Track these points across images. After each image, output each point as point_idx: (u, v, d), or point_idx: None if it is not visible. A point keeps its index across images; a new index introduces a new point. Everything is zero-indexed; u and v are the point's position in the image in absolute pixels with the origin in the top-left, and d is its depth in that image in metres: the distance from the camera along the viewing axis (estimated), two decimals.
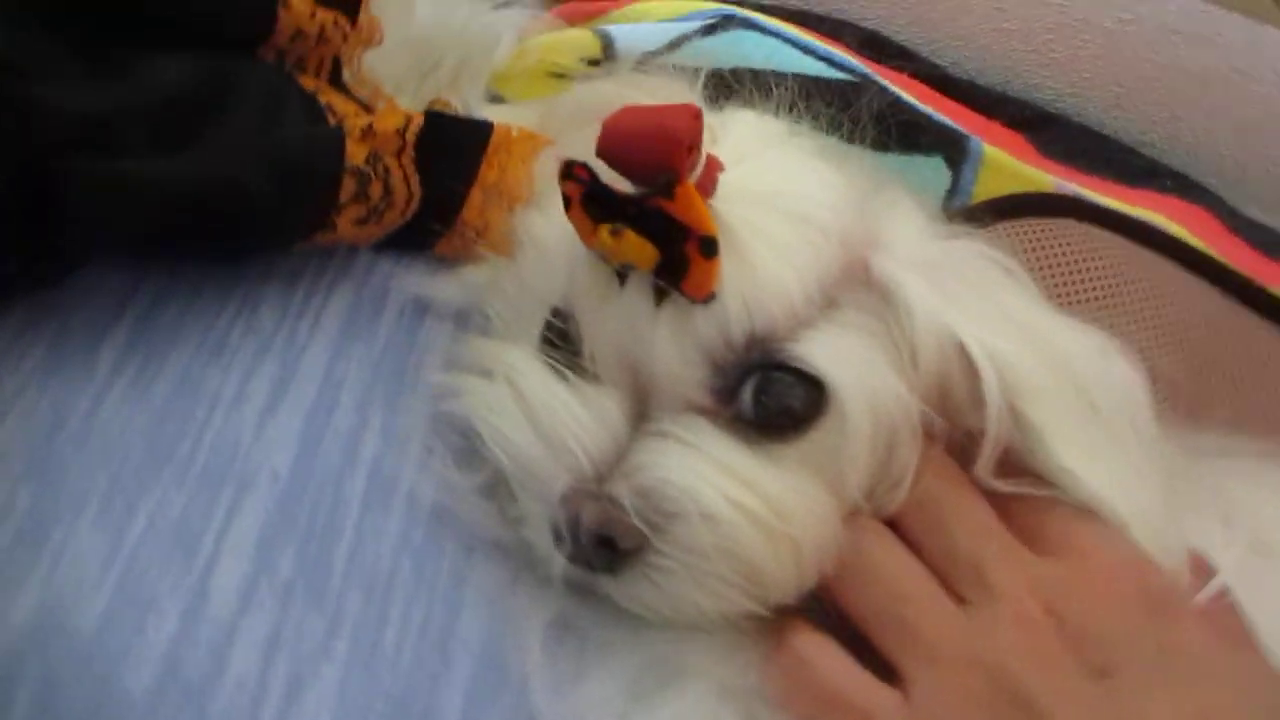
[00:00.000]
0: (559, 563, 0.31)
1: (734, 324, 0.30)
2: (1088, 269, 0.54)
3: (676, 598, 0.31)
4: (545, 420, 0.32)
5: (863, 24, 0.71)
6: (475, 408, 0.34)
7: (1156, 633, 0.30)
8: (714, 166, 0.31)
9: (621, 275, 0.31)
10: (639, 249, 0.29)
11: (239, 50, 0.35)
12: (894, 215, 0.36)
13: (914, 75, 0.67)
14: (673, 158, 0.28)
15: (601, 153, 0.29)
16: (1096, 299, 0.53)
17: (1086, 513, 0.33)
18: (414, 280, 0.39)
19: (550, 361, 0.33)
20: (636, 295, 0.31)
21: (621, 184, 0.30)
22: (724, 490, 0.30)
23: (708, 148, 0.31)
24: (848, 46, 0.66)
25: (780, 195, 0.32)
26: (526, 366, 0.33)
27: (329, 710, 0.30)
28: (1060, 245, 0.53)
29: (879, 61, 0.68)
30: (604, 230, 0.30)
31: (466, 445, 0.35)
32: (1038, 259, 0.53)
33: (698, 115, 0.29)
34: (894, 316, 0.33)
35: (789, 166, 0.34)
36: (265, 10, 0.33)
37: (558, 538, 0.31)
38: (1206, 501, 0.40)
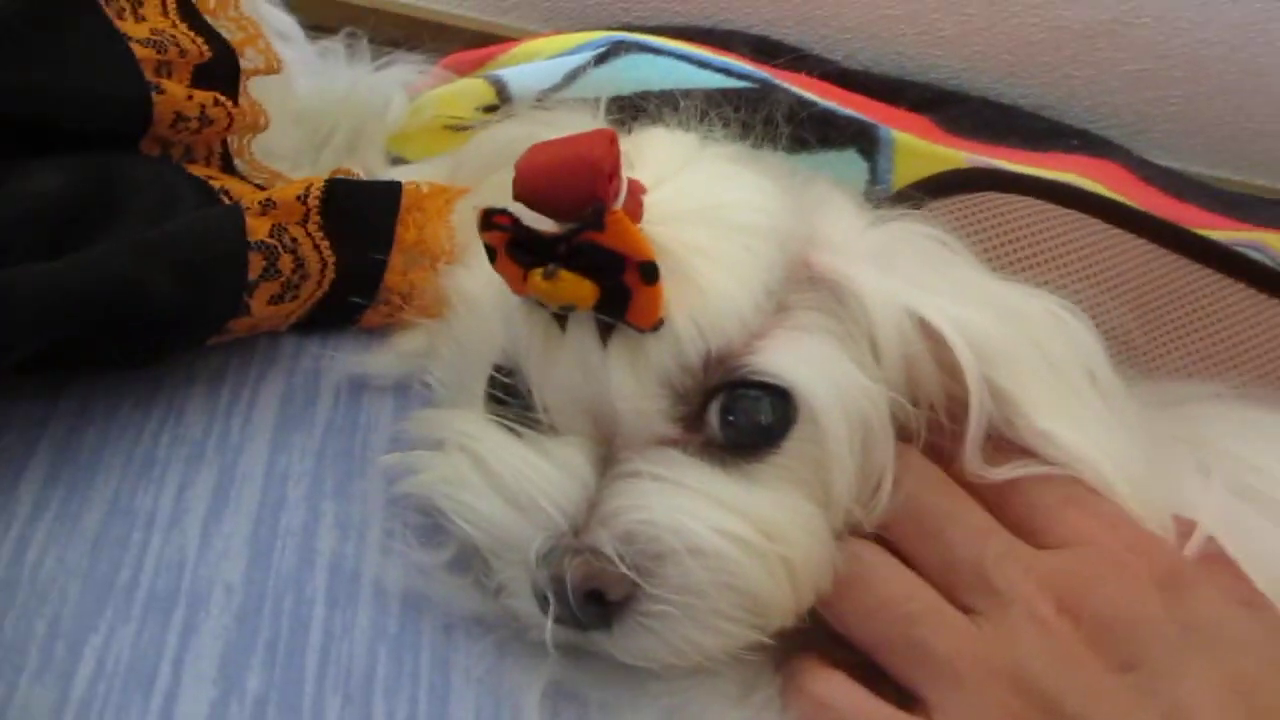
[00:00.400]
0: (548, 628, 0.29)
1: (688, 347, 0.29)
2: (1019, 236, 0.54)
3: (677, 642, 0.29)
4: (510, 482, 0.30)
5: (750, 30, 0.71)
6: (433, 483, 0.32)
7: (1174, 613, 0.29)
8: (637, 190, 0.30)
9: (561, 318, 0.30)
10: (576, 288, 0.28)
11: (121, 148, 0.33)
12: (827, 210, 0.35)
13: (810, 73, 0.68)
14: (596, 187, 0.27)
15: (520, 195, 0.28)
16: (1034, 264, 0.54)
17: (1077, 497, 0.32)
18: (345, 359, 0.37)
19: (502, 421, 0.32)
20: (581, 336, 0.29)
21: (546, 224, 0.28)
22: (709, 521, 0.29)
23: (625, 172, 0.29)
24: (740, 55, 0.66)
25: (711, 208, 0.31)
26: (479, 430, 0.32)
27: None
28: (988, 217, 0.53)
29: (773, 65, 0.68)
30: (535, 275, 0.28)
31: (429, 522, 0.33)
32: (969, 233, 0.53)
33: (613, 139, 0.28)
34: (846, 310, 0.32)
35: (713, 178, 0.33)
36: (138, 100, 0.31)
37: (543, 601, 0.29)
38: (1181, 452, 0.40)
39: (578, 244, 0.27)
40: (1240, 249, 0.62)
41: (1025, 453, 0.32)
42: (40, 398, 0.35)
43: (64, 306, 0.28)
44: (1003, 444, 0.33)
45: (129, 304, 0.29)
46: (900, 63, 0.71)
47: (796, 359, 0.30)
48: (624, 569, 0.28)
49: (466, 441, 0.31)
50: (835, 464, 0.31)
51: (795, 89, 0.64)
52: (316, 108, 0.55)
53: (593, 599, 0.29)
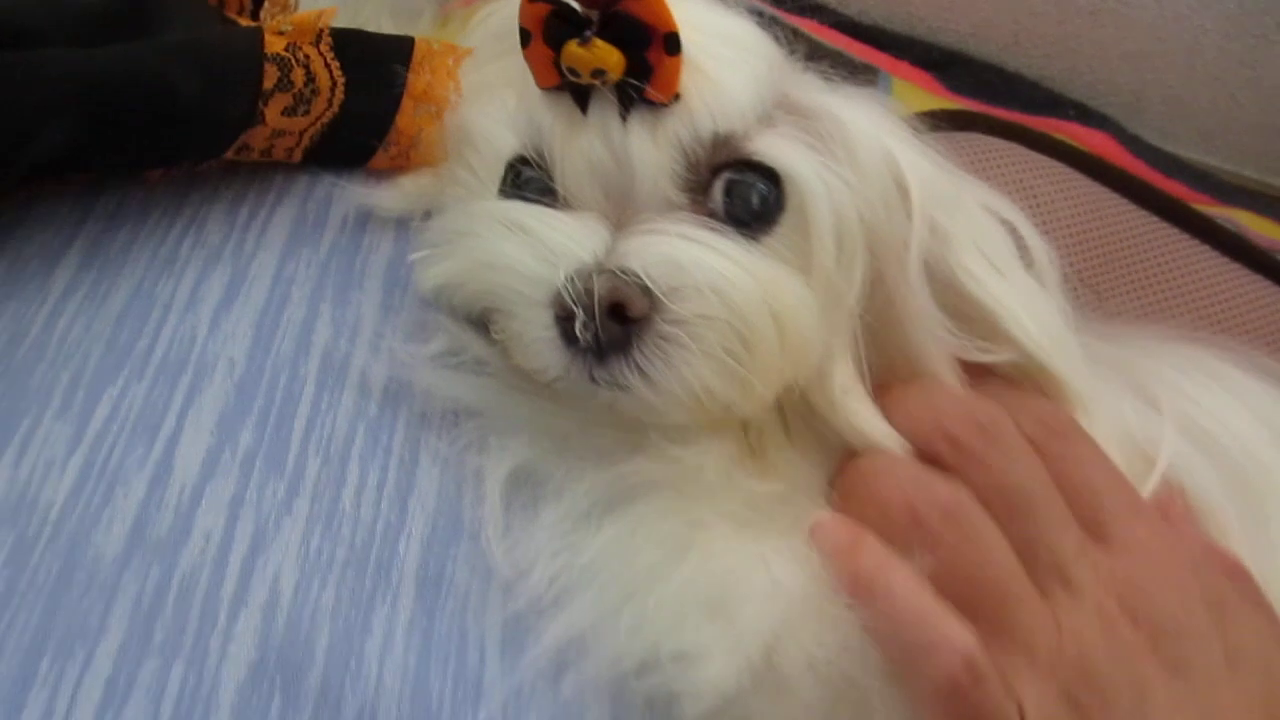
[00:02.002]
0: (561, 361, 0.33)
1: (700, 122, 0.33)
2: (996, 176, 0.57)
3: (684, 371, 0.32)
4: (539, 232, 0.33)
5: None
6: (465, 253, 0.35)
7: (1222, 633, 0.31)
8: None
9: (583, 102, 0.33)
10: (608, 54, 0.31)
11: None
12: (804, 73, 0.39)
13: (823, 22, 0.71)
14: None
15: None
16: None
17: (1144, 511, 0.34)
18: (355, 191, 0.41)
19: (521, 198, 0.35)
20: (603, 112, 0.33)
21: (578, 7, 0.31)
22: (722, 265, 0.32)
23: None
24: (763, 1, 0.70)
25: (719, 26, 0.35)
26: (502, 205, 0.35)
27: (292, 559, 0.31)
28: (969, 154, 0.56)
29: (792, 13, 0.72)
30: (571, 45, 0.31)
31: (418, 320, 0.37)
32: None
33: None
34: (830, 136, 0.35)
35: (716, 11, 0.37)
36: None
37: (565, 322, 0.32)
38: (1122, 377, 0.42)
39: (612, 13, 0.31)
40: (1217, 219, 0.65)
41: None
42: (78, 205, 0.40)
43: (91, 90, 0.32)
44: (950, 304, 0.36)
45: (152, 96, 0.33)
46: (911, 22, 0.74)
47: (788, 151, 0.34)
48: (649, 283, 0.31)
49: (494, 212, 0.34)
50: (819, 249, 0.34)
51: (806, 31, 0.68)
52: (352, 4, 0.59)
53: (615, 315, 0.31)
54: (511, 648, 0.32)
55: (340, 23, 0.57)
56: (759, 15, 0.70)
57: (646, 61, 0.32)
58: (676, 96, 0.32)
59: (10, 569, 0.29)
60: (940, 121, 0.59)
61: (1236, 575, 0.34)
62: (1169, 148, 0.76)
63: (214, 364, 0.35)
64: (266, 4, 0.44)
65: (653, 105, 0.33)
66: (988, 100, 0.73)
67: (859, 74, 0.65)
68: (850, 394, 0.36)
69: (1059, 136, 0.65)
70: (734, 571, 0.32)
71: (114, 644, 0.28)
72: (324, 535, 0.32)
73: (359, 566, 0.32)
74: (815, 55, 0.66)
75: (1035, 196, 0.58)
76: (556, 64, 0.33)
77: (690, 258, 0.32)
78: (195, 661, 0.29)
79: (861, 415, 0.36)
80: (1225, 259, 0.61)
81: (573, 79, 0.33)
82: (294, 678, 0.29)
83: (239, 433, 0.34)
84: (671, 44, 0.32)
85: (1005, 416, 0.35)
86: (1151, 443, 0.39)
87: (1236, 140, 0.76)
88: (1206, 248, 0.61)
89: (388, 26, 0.61)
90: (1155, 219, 0.61)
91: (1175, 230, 0.62)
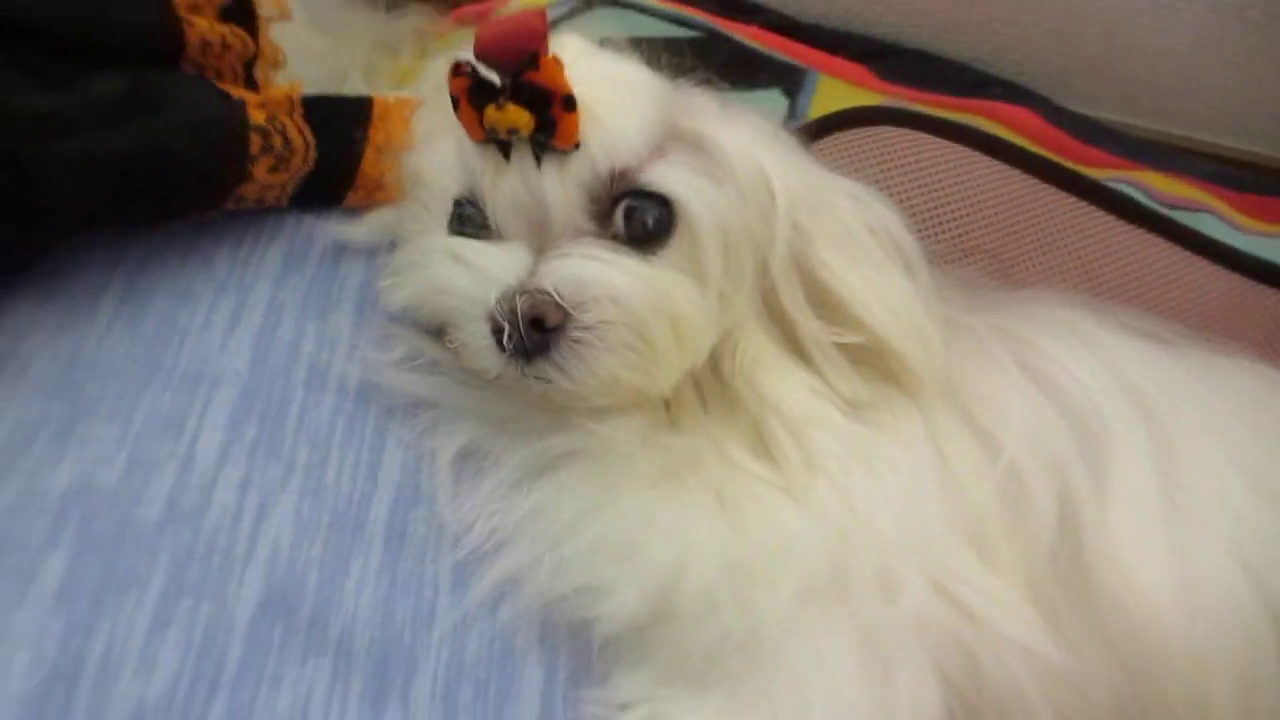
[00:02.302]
0: (498, 363, 0.41)
1: (598, 162, 0.41)
2: (898, 163, 0.64)
3: (595, 365, 0.40)
4: (474, 261, 0.41)
5: None
6: (419, 281, 0.43)
7: None
8: (557, 61, 0.41)
9: (505, 152, 0.41)
10: (519, 116, 0.39)
11: (166, 67, 0.47)
12: (697, 96, 0.47)
13: (764, 25, 0.78)
14: (533, 41, 0.38)
15: (478, 51, 0.39)
16: (909, 186, 0.64)
17: None
18: (332, 228, 0.51)
19: (463, 234, 0.44)
20: (521, 159, 0.41)
21: (494, 79, 0.39)
22: (620, 279, 0.40)
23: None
24: (702, 9, 0.77)
25: (609, 75, 0.42)
26: (449, 240, 0.44)
27: (288, 523, 0.41)
28: (873, 147, 0.64)
29: (732, 18, 0.79)
30: (490, 109, 0.39)
31: (383, 333, 0.46)
32: (856, 161, 0.64)
33: (543, 13, 0.39)
34: (711, 158, 0.43)
35: (610, 60, 0.44)
36: (173, 30, 0.45)
37: (498, 334, 0.40)
38: (992, 343, 0.49)
39: (520, 82, 0.39)
40: (1118, 185, 0.72)
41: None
42: (112, 251, 0.49)
43: (119, 164, 0.42)
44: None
45: (164, 165, 0.43)
46: (846, 18, 0.81)
47: (675, 179, 0.41)
48: (559, 300, 0.39)
49: (442, 247, 0.43)
50: (707, 257, 0.42)
51: (740, 37, 0.76)
52: (335, 48, 0.68)
53: (535, 326, 0.39)
54: (459, 586, 0.42)
55: (326, 60, 0.67)
56: (682, 24, 0.77)
57: (551, 118, 0.40)
58: (577, 144, 0.41)
59: (79, 536, 0.39)
60: (849, 121, 0.67)
61: None
62: (1099, 114, 0.83)
63: (223, 375, 0.45)
64: (259, 64, 0.53)
65: (560, 151, 0.41)
66: (920, 85, 0.79)
67: (784, 77, 0.73)
68: (758, 363, 0.45)
69: (964, 120, 0.72)
70: (638, 523, 0.41)
71: (157, 588, 0.39)
72: (313, 504, 0.42)
73: (340, 527, 0.42)
74: (739, 59, 0.73)
75: (940, 179, 0.65)
76: (481, 123, 0.41)
77: (592, 275, 0.40)
78: (217, 600, 0.39)
79: (767, 382, 0.45)
80: (1118, 220, 0.68)
81: (494, 136, 0.41)
82: (291, 610, 0.39)
83: (245, 428, 0.44)
84: (569, 103, 0.40)
85: None
86: (1012, 406, 0.46)
87: (1159, 103, 0.82)
88: (1100, 211, 0.68)
89: (374, 61, 0.70)
90: (1054, 189, 0.68)
91: (1073, 199, 0.69)
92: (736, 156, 0.44)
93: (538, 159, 0.41)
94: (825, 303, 0.46)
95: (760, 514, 0.41)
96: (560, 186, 0.41)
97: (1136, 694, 0.41)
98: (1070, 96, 0.81)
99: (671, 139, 0.44)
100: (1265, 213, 0.72)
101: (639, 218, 0.42)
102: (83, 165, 0.43)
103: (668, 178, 0.42)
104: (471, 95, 0.41)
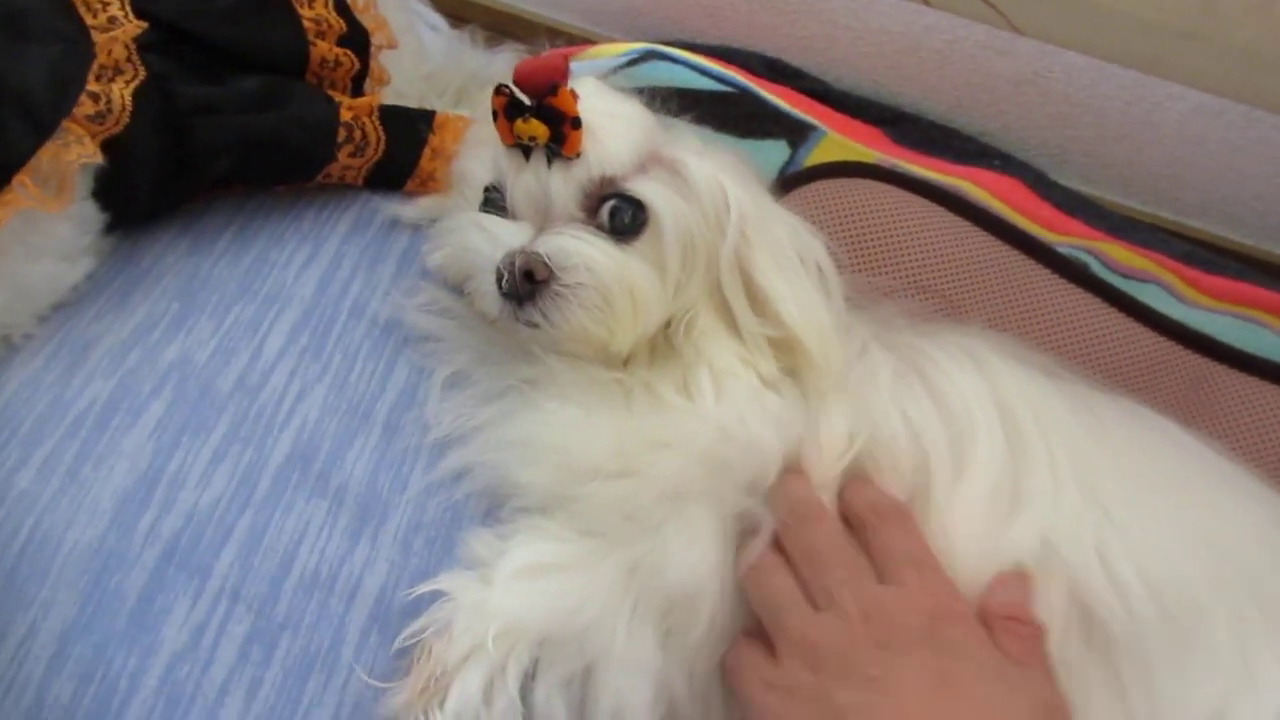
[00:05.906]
0: (498, 305, 0.54)
1: (593, 169, 0.54)
2: (860, 211, 0.75)
3: (569, 315, 0.53)
4: (492, 230, 0.56)
5: (767, 54, 0.96)
6: (452, 240, 0.58)
7: (930, 625, 0.44)
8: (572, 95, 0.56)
9: (526, 155, 0.55)
10: (538, 128, 0.53)
11: (292, 75, 0.64)
12: (681, 132, 0.61)
13: (800, 89, 0.91)
14: (557, 73, 0.53)
15: (516, 78, 0.54)
16: (869, 226, 0.75)
17: (918, 559, 0.48)
18: (390, 206, 0.67)
19: (489, 212, 0.58)
20: (537, 161, 0.55)
21: (524, 99, 0.54)
22: (595, 254, 0.53)
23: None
24: (751, 71, 0.90)
25: (610, 108, 0.56)
26: (476, 215, 0.58)
27: (317, 406, 0.57)
28: (840, 195, 0.75)
29: (776, 81, 0.92)
30: (518, 122, 0.54)
31: (413, 284, 0.62)
32: (824, 205, 0.75)
33: (566, 56, 0.55)
34: (682, 178, 0.56)
35: (612, 98, 0.57)
36: (301, 49, 0.63)
37: (500, 282, 0.53)
38: (905, 360, 0.59)
39: (542, 105, 0.53)
40: (1074, 251, 0.81)
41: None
42: (233, 204, 0.67)
43: (244, 140, 0.59)
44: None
45: (277, 145, 0.60)
46: (875, 89, 0.92)
47: (651, 190, 0.55)
48: (548, 261, 0.53)
49: (472, 218, 0.57)
50: (668, 252, 0.55)
51: (766, 95, 0.89)
52: (440, 71, 0.85)
53: (528, 278, 0.52)
54: (429, 465, 0.57)
55: (429, 84, 0.84)
56: (722, 81, 0.89)
57: (562, 133, 0.54)
58: (579, 154, 0.55)
59: (174, 392, 0.56)
60: (828, 172, 0.79)
61: (966, 620, 0.46)
62: (1095, 192, 0.92)
63: (292, 299, 0.62)
64: (369, 80, 0.71)
65: (566, 158, 0.55)
66: (927, 150, 0.89)
67: (794, 131, 0.85)
68: (706, 335, 0.58)
69: (947, 182, 0.82)
70: (546, 419, 0.55)
71: (219, 434, 0.55)
72: (338, 395, 0.58)
73: (352, 413, 0.58)
74: (760, 113, 0.86)
75: (899, 224, 0.74)
76: (511, 131, 0.56)
77: (575, 248, 0.54)
78: (258, 448, 0.55)
79: (707, 344, 0.57)
80: (1061, 279, 0.77)
81: (519, 141, 0.57)
82: (307, 464, 0.55)
83: (300, 336, 0.60)
84: (576, 123, 0.54)
85: (816, 502, 0.51)
86: (901, 400, 0.58)
87: (1150, 186, 0.90)
88: (1046, 270, 0.77)
89: (469, 89, 0.87)
90: (1007, 246, 0.78)
91: (1022, 255, 0.78)
92: (703, 181, 0.57)
93: (549, 162, 0.55)
94: (757, 299, 0.58)
95: (661, 415, 0.54)
96: (563, 184, 0.55)
97: None
98: (1069, 174, 0.90)
99: (653, 161, 0.58)
100: (1212, 289, 0.79)
101: (620, 214, 0.55)
102: (223, 137, 0.60)
103: (645, 188, 0.56)
104: (507, 110, 0.55)
